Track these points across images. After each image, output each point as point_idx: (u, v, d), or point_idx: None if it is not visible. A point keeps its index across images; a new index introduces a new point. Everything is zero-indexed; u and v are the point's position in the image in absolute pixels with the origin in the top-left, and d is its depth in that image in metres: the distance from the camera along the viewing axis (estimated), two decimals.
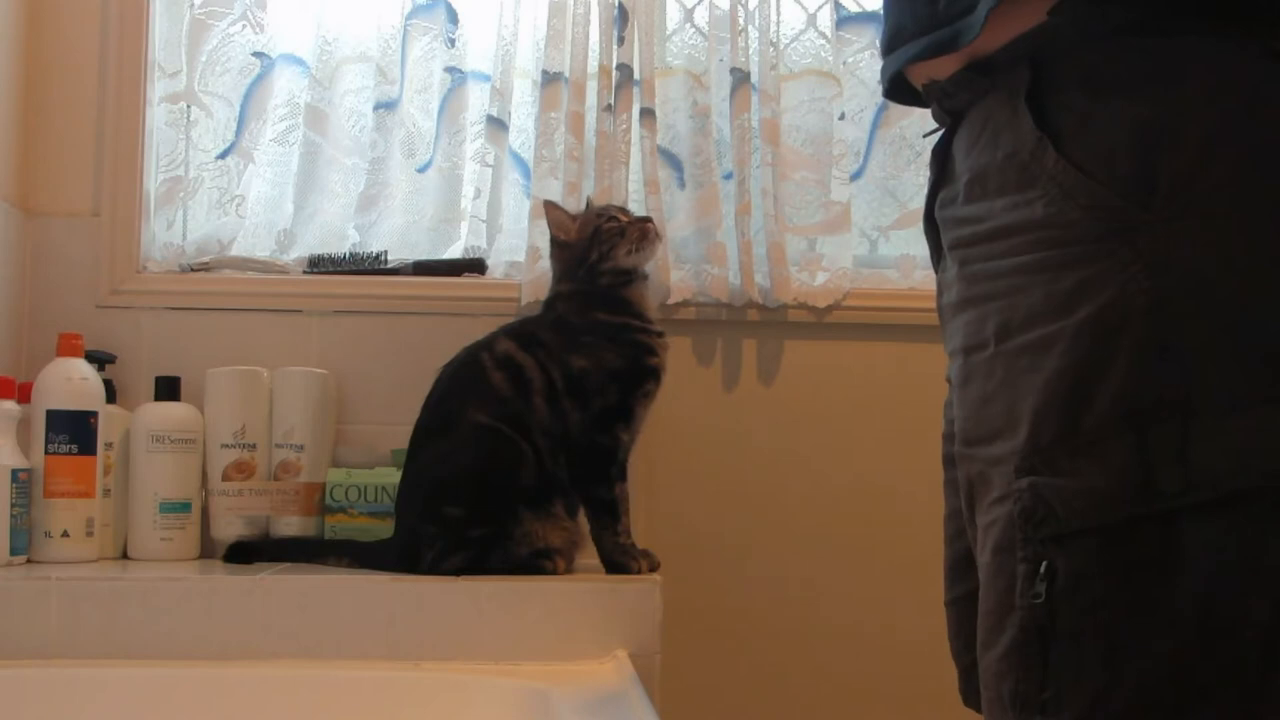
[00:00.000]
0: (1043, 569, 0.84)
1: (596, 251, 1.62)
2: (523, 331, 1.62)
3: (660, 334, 1.63)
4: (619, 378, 1.58)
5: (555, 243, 1.67)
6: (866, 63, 1.97)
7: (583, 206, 1.73)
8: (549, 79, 1.84)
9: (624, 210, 1.68)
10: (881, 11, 1.02)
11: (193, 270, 1.87)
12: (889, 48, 1.00)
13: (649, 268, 1.68)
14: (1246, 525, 0.80)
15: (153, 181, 1.89)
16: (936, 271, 1.01)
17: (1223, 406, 0.80)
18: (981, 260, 0.91)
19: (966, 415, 0.93)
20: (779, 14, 1.90)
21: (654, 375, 1.60)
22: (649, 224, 1.64)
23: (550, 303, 1.67)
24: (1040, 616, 0.84)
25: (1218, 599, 0.80)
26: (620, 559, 1.56)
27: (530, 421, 1.55)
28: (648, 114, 1.84)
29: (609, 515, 1.56)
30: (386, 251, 1.87)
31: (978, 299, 0.91)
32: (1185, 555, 0.81)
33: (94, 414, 1.61)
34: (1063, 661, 0.84)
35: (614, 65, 1.85)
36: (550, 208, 1.67)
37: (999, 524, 0.88)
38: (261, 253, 1.89)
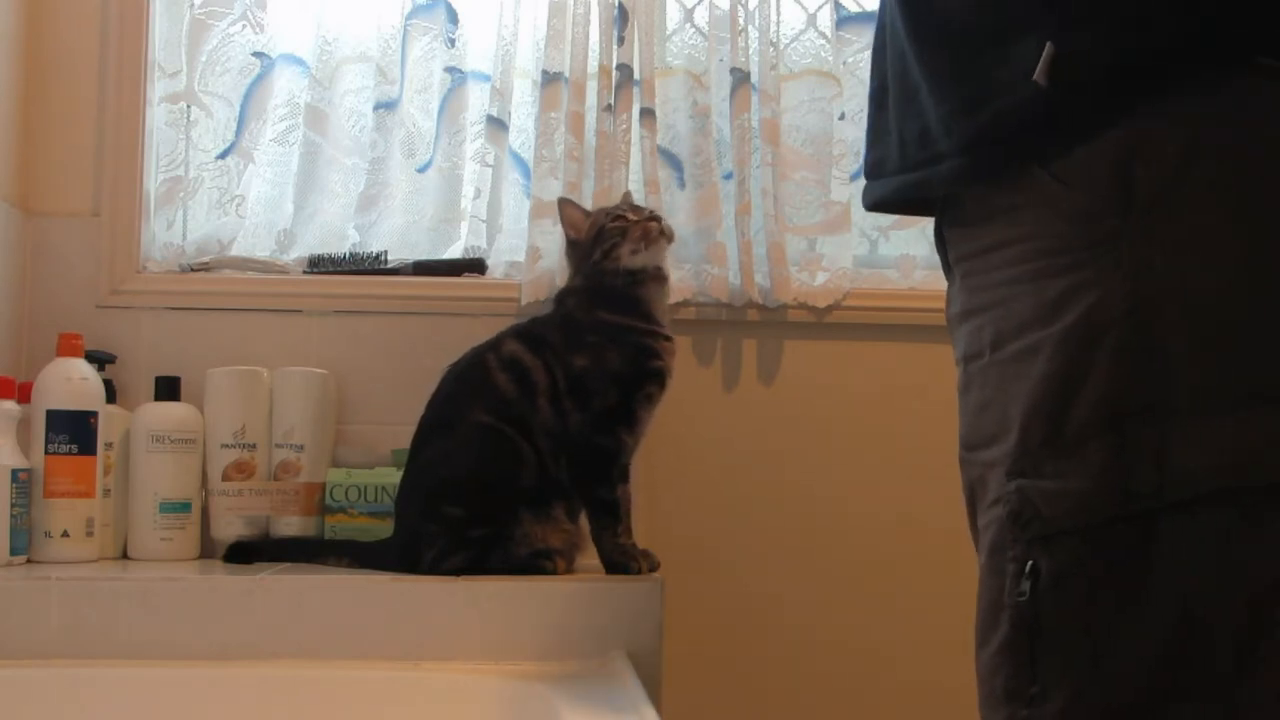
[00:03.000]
0: (1028, 568, 0.87)
1: (599, 250, 1.60)
2: (531, 333, 1.62)
3: (667, 337, 1.61)
4: (620, 380, 1.57)
5: (568, 240, 1.67)
6: (866, 62, 1.96)
7: (598, 204, 1.72)
8: (549, 79, 1.84)
9: (636, 208, 1.65)
10: (866, 125, 1.08)
11: (193, 270, 1.87)
12: (871, 176, 1.06)
13: (666, 267, 1.65)
14: (1221, 525, 0.82)
15: (153, 181, 1.89)
16: (947, 284, 1.04)
17: (1200, 408, 0.82)
18: (980, 272, 0.95)
19: (966, 421, 0.96)
20: (779, 14, 1.90)
21: (656, 378, 1.59)
22: (653, 223, 1.61)
23: (561, 298, 1.66)
24: (1026, 613, 0.87)
25: (1194, 598, 0.82)
26: (620, 559, 1.55)
27: (533, 423, 1.55)
28: (648, 114, 1.84)
29: (610, 516, 1.56)
30: (386, 251, 1.87)
31: (976, 309, 0.95)
32: (1162, 555, 0.83)
33: (94, 414, 1.61)
34: (1048, 657, 0.87)
35: (614, 65, 1.85)
36: (565, 205, 1.66)
37: (993, 526, 0.91)
38: (261, 253, 1.89)
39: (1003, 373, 0.91)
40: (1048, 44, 0.85)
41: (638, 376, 1.58)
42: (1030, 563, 0.86)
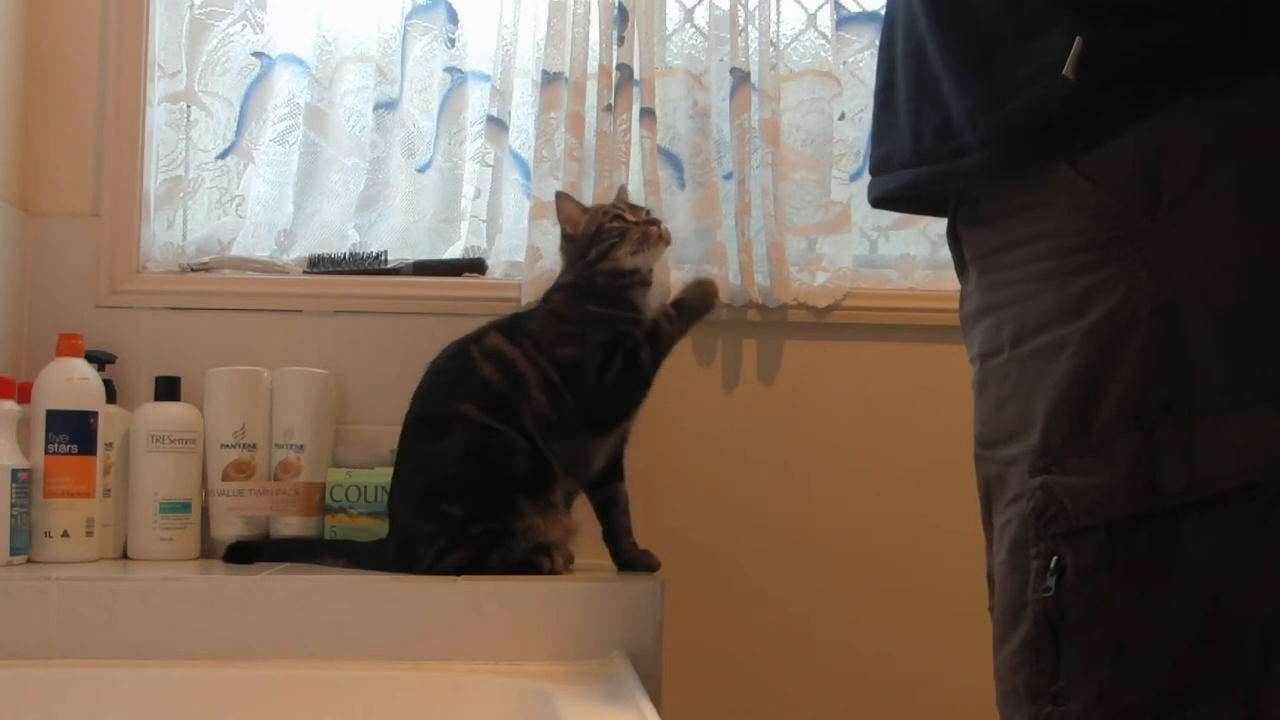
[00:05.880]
0: (1053, 564, 0.86)
1: (595, 250, 1.60)
2: (511, 325, 1.62)
3: None
4: (606, 346, 1.57)
5: (563, 234, 1.67)
6: (866, 63, 1.96)
7: (598, 204, 1.72)
8: (549, 79, 1.84)
9: (634, 208, 1.65)
10: (871, 122, 1.07)
11: (193, 270, 1.87)
12: (877, 171, 1.05)
13: (654, 271, 1.66)
14: (1247, 523, 0.82)
15: (153, 181, 1.89)
16: (961, 282, 1.03)
17: (1225, 407, 0.82)
18: (998, 270, 0.94)
19: (984, 419, 0.96)
20: (779, 14, 1.90)
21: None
22: (653, 226, 1.62)
23: (548, 294, 1.67)
24: (1050, 610, 0.87)
25: (1219, 595, 0.82)
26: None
27: (524, 411, 1.54)
28: (648, 114, 1.84)
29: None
30: (386, 251, 1.87)
31: (994, 306, 0.94)
32: (1188, 552, 0.83)
33: (94, 414, 1.61)
34: (1072, 653, 0.86)
35: (614, 65, 1.85)
36: (562, 199, 1.66)
37: (1014, 523, 0.90)
38: (261, 253, 1.89)
39: (1024, 369, 0.90)
40: (1077, 38, 0.85)
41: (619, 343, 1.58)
42: (1055, 558, 0.86)
